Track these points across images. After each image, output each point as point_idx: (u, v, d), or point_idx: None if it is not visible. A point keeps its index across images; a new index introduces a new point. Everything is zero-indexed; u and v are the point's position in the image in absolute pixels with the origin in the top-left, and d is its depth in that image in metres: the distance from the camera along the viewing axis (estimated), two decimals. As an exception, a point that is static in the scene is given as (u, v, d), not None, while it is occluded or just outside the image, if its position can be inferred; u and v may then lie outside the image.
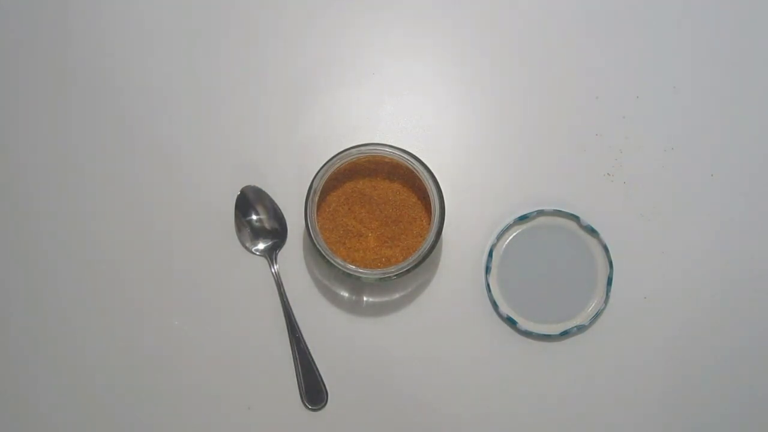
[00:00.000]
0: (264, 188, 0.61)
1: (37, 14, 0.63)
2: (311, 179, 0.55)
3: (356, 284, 0.60)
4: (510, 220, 0.60)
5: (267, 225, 0.61)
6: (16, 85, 0.63)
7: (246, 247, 0.61)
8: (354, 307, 0.60)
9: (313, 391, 0.59)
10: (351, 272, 0.54)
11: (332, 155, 0.55)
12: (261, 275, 0.60)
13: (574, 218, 0.60)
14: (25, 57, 0.63)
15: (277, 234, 0.61)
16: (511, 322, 0.59)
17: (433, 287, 0.61)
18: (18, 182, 0.62)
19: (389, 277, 0.54)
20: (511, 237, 0.61)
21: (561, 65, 0.63)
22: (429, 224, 0.56)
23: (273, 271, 0.60)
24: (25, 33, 0.63)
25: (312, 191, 0.54)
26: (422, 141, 0.62)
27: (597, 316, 0.60)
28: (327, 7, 0.64)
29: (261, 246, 0.61)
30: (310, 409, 0.59)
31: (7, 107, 0.63)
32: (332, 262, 0.54)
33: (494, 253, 0.60)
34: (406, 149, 0.55)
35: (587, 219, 0.60)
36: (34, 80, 0.63)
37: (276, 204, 0.61)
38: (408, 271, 0.54)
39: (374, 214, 0.57)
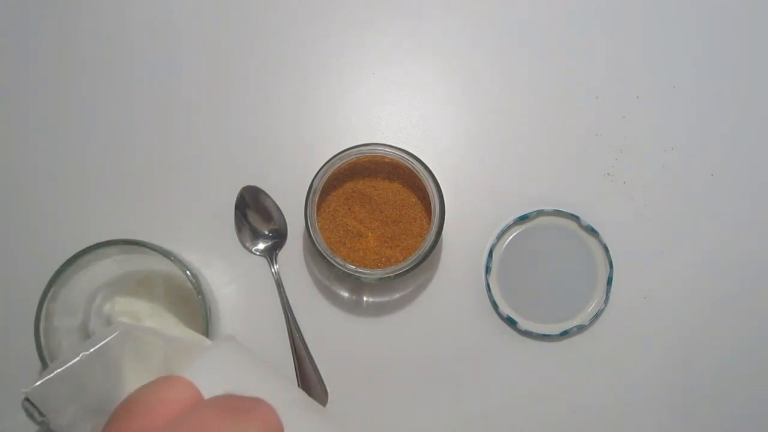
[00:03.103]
0: (264, 188, 0.61)
1: (38, 15, 0.64)
2: (311, 179, 0.55)
3: (356, 284, 0.60)
4: (510, 220, 0.60)
5: (267, 225, 0.61)
6: (17, 83, 0.63)
7: (246, 247, 0.61)
8: (354, 307, 0.60)
9: (313, 391, 0.59)
10: (351, 272, 0.54)
11: (332, 155, 0.55)
12: (261, 275, 0.60)
13: (574, 218, 0.60)
14: (26, 57, 0.63)
15: (277, 234, 0.61)
16: (511, 322, 0.59)
17: (433, 287, 0.61)
18: (19, 189, 0.62)
19: (389, 277, 0.54)
20: (511, 237, 0.61)
21: (561, 65, 0.63)
22: (429, 224, 0.56)
23: (273, 271, 0.60)
24: (25, 38, 0.63)
25: (312, 191, 0.54)
26: (422, 141, 0.62)
27: (597, 316, 0.60)
28: (327, 6, 0.64)
29: (261, 246, 0.61)
30: (310, 409, 0.59)
31: (5, 108, 0.63)
32: (332, 262, 0.54)
33: (494, 253, 0.60)
34: (406, 149, 0.55)
35: (587, 219, 0.60)
36: (35, 80, 0.63)
37: (276, 204, 0.61)
38: (408, 271, 0.54)
39: (374, 214, 0.57)
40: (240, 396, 0.37)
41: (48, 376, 0.43)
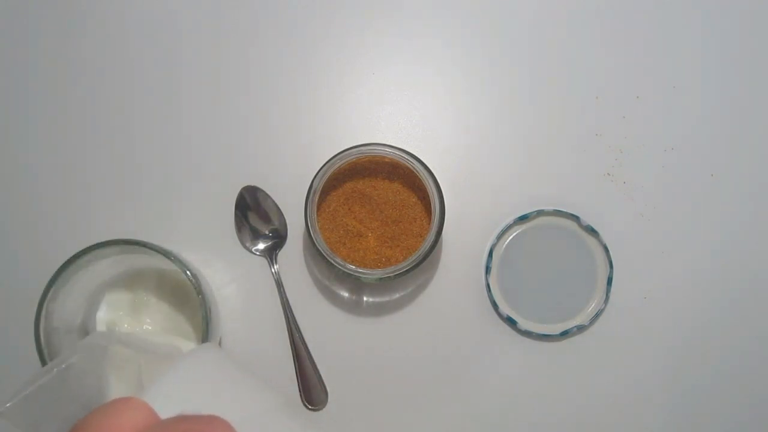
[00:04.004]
0: (264, 188, 0.61)
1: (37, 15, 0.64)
2: (311, 179, 0.55)
3: (356, 284, 0.60)
4: (510, 220, 0.60)
5: (267, 225, 0.61)
6: (17, 83, 0.63)
7: (246, 247, 0.61)
8: (354, 307, 0.60)
9: (313, 391, 0.59)
10: (351, 272, 0.54)
11: (332, 155, 0.55)
12: (261, 275, 0.60)
13: (574, 218, 0.60)
14: (26, 57, 0.63)
15: (277, 234, 0.61)
16: (511, 322, 0.59)
17: (433, 287, 0.61)
18: (19, 189, 0.62)
19: (389, 277, 0.54)
20: (511, 237, 0.61)
21: (561, 65, 0.63)
22: (429, 224, 0.56)
23: (273, 271, 0.60)
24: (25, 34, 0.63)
25: (312, 191, 0.54)
26: (422, 141, 0.62)
27: (597, 316, 0.60)
28: (327, 6, 0.64)
29: (261, 246, 0.61)
30: (310, 409, 0.59)
31: (5, 108, 0.63)
32: (332, 262, 0.54)
33: (494, 253, 0.60)
34: (406, 149, 0.55)
35: (587, 219, 0.60)
36: (35, 80, 0.63)
37: (276, 204, 0.61)
38: (408, 271, 0.54)
39: (374, 214, 0.57)
40: (194, 416, 0.36)
41: (16, 399, 0.42)
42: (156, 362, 0.45)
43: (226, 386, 0.43)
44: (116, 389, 0.44)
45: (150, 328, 0.56)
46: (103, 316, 0.56)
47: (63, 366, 0.43)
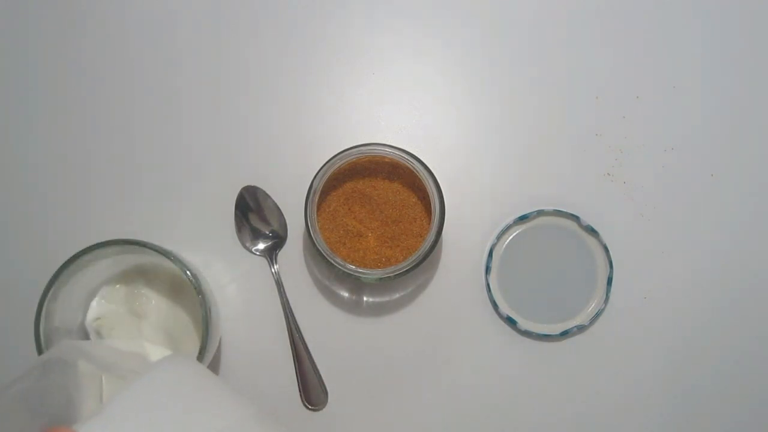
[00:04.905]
0: (264, 188, 0.61)
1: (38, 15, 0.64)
2: (311, 179, 0.55)
3: (356, 284, 0.60)
4: (510, 220, 0.60)
5: (267, 225, 0.61)
6: (17, 83, 0.63)
7: (246, 247, 0.61)
8: (354, 307, 0.60)
9: (313, 391, 0.59)
10: (351, 272, 0.54)
11: (332, 155, 0.55)
12: (261, 275, 0.60)
13: (574, 218, 0.60)
14: (26, 57, 0.63)
15: (277, 234, 0.61)
16: (511, 322, 0.59)
17: (433, 287, 0.61)
18: (19, 189, 0.62)
19: (389, 277, 0.54)
20: (511, 237, 0.61)
21: (561, 65, 0.63)
22: (429, 224, 0.56)
23: (273, 271, 0.60)
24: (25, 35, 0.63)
25: (312, 191, 0.54)
26: (422, 141, 0.62)
27: (597, 316, 0.60)
28: (327, 6, 0.64)
29: (261, 246, 0.61)
30: (310, 409, 0.59)
31: (5, 108, 0.63)
32: (332, 262, 0.54)
33: (494, 253, 0.60)
34: (406, 149, 0.55)
35: (587, 219, 0.60)
36: (35, 80, 0.63)
37: (276, 204, 0.61)
38: (408, 271, 0.54)
39: (374, 214, 0.57)
40: None
41: None
42: (117, 378, 0.44)
43: (180, 406, 0.42)
44: (84, 406, 0.43)
45: (147, 328, 0.56)
46: (100, 317, 0.55)
47: (24, 386, 0.42)
